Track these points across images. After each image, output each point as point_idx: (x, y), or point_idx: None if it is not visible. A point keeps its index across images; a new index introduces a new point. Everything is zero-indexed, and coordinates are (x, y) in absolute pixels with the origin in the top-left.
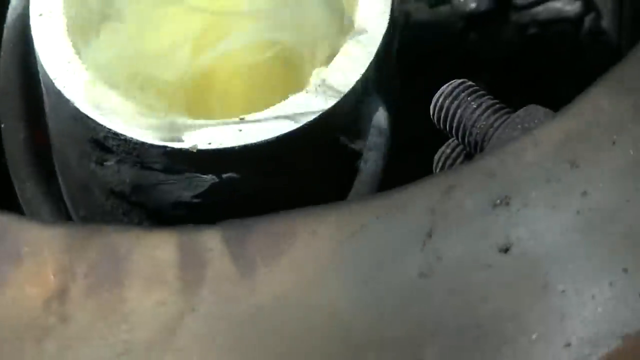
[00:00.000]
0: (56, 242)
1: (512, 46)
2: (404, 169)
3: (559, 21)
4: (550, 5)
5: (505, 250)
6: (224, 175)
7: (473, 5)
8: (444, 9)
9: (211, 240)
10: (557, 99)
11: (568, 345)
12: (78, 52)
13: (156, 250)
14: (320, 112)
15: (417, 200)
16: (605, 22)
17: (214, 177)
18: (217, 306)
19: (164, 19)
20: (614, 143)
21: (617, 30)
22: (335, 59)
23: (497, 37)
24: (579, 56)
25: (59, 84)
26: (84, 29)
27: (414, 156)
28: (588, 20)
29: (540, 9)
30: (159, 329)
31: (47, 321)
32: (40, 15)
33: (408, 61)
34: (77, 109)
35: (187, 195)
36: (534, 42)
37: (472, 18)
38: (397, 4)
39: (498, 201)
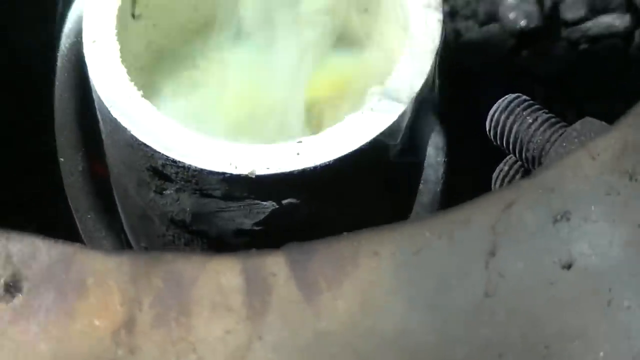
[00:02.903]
0: (121, 272)
1: (563, 62)
2: (463, 188)
3: (609, 36)
4: (600, 20)
5: (568, 266)
6: (284, 201)
7: (523, 22)
8: (493, 27)
9: (275, 265)
10: (609, 113)
11: None
12: (133, 79)
13: (221, 277)
14: (377, 133)
15: (477, 218)
16: None
17: (273, 203)
18: (284, 332)
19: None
20: None
21: None
22: (389, 78)
23: (548, 54)
24: (630, 69)
25: (115, 112)
26: (137, 55)
27: (470, 174)
28: (638, 34)
29: (589, 24)
30: (227, 357)
31: (116, 353)
32: (94, 42)
33: (460, 79)
34: (134, 137)
35: (248, 222)
36: (584, 57)
37: (523, 35)
38: (446, 24)
39: (559, 216)
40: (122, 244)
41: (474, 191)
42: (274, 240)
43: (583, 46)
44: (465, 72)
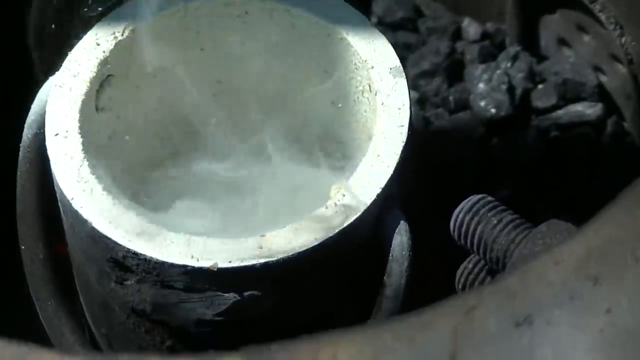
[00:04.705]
0: None
1: (533, 150)
2: (427, 279)
3: (580, 124)
4: (571, 108)
5: None
6: (246, 293)
7: (493, 110)
8: (463, 115)
9: None
10: (580, 202)
11: None
12: (95, 172)
13: None
14: (341, 228)
15: (439, 321)
16: (627, 125)
17: (235, 295)
18: None
19: None
20: (637, 259)
21: (639, 132)
22: (354, 174)
23: (518, 142)
24: (602, 159)
25: (76, 205)
26: (99, 148)
27: (435, 264)
28: (610, 123)
29: (561, 112)
30: None
31: None
32: (56, 135)
33: (429, 168)
34: (95, 229)
35: (209, 313)
36: (555, 146)
37: (493, 123)
38: (415, 112)
39: (521, 320)
40: (82, 331)
41: (438, 285)
42: (235, 331)
43: (554, 134)
44: (434, 160)
